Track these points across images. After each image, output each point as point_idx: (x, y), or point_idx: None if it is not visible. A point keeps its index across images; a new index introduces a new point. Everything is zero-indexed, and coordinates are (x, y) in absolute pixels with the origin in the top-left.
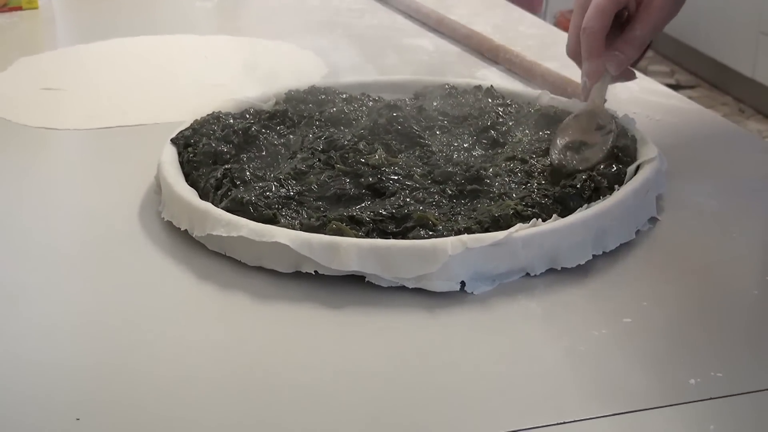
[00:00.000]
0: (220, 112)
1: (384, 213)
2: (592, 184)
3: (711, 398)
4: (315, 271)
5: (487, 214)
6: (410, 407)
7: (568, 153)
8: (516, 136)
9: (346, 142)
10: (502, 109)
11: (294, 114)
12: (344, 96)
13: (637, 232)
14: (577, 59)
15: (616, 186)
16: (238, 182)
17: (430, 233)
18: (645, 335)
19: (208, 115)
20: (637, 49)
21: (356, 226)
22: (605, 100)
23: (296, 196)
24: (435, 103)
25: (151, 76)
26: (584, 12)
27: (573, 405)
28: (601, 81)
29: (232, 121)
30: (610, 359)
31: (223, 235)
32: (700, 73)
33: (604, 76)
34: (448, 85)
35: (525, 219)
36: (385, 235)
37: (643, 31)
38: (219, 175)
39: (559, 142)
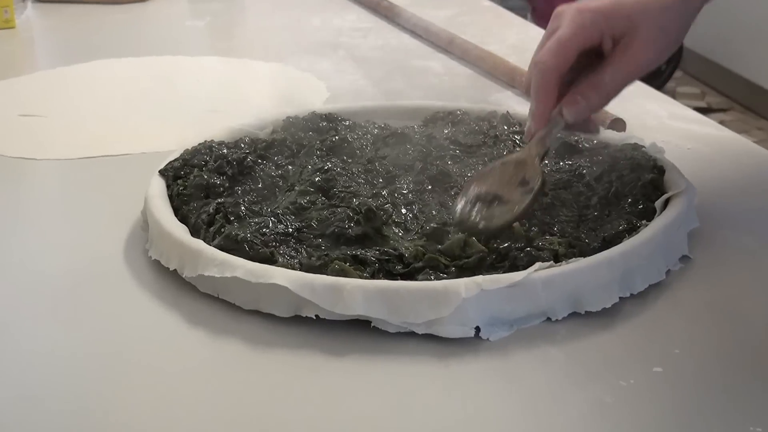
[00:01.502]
0: (212, 141)
1: (391, 252)
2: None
3: None
4: (316, 316)
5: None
6: None
7: (477, 205)
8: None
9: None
10: (519, 137)
11: (293, 143)
12: (347, 123)
13: (668, 272)
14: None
15: (644, 222)
16: (232, 218)
17: (442, 274)
18: (677, 386)
19: (199, 144)
20: (603, 97)
21: (361, 267)
22: (546, 152)
23: (295, 233)
24: (446, 131)
25: (138, 101)
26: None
27: None
28: (548, 127)
29: (225, 150)
30: (639, 412)
31: (216, 275)
32: (732, 94)
33: (555, 122)
34: (460, 110)
35: (545, 258)
36: (392, 276)
37: (614, 77)
38: (211, 210)
39: (472, 190)
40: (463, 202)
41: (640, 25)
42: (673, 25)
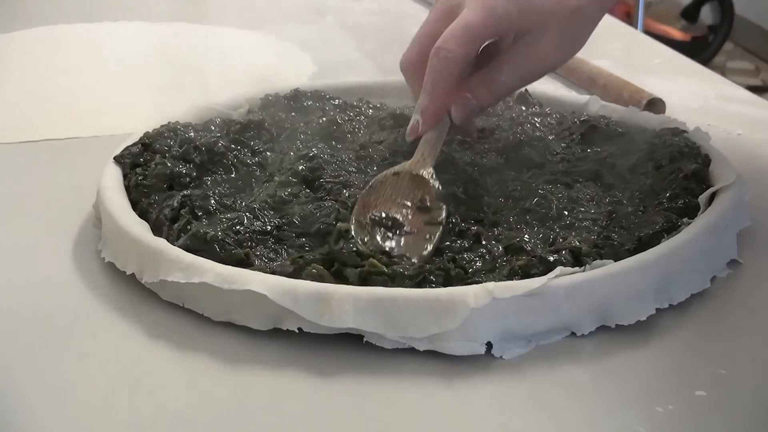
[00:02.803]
0: (177, 122)
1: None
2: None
3: None
4: (299, 329)
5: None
6: None
7: (378, 230)
8: (557, 154)
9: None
10: (539, 120)
11: (272, 125)
12: (337, 102)
13: (713, 279)
14: (413, 76)
15: (686, 220)
16: (200, 213)
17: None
18: (722, 412)
19: (162, 126)
20: (495, 97)
21: None
22: (437, 157)
23: (274, 231)
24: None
25: (89, 75)
26: (445, 20)
27: None
28: (438, 128)
29: (192, 134)
30: None
31: (181, 281)
32: None
33: (443, 123)
34: None
35: (564, 258)
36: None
37: (512, 76)
38: (176, 204)
39: (368, 212)
40: (355, 225)
41: (549, 24)
42: (582, 30)
